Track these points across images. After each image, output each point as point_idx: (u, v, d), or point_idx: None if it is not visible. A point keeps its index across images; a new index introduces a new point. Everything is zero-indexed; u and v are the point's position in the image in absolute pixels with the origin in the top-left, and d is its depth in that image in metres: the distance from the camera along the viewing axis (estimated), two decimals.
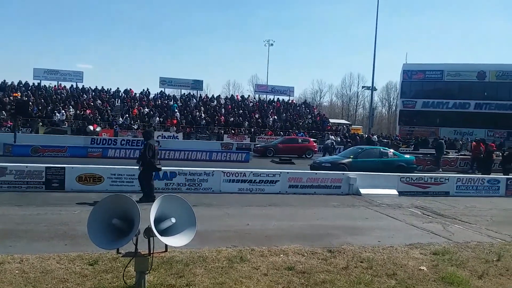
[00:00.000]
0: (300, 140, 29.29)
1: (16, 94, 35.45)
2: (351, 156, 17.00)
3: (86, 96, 39.64)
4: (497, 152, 22.50)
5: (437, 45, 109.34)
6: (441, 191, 13.35)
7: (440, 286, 4.92)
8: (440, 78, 50.89)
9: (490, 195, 13.60)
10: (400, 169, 15.88)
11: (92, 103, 37.71)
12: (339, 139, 33.28)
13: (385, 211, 10.19)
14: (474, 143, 23.38)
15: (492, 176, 15.57)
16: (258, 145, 29.05)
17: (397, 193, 12.74)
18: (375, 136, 34.14)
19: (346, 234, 7.48)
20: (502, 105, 48.29)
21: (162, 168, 10.86)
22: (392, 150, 18.52)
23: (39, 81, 41.37)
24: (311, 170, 15.43)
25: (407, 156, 18.81)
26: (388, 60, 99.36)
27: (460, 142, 39.46)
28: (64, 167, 10.88)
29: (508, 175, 16.34)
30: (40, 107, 34.49)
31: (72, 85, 42.08)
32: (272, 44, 65.77)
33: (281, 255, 5.85)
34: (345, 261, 5.70)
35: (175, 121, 36.36)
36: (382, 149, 18.41)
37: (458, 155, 25.81)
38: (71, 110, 35.31)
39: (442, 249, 6.57)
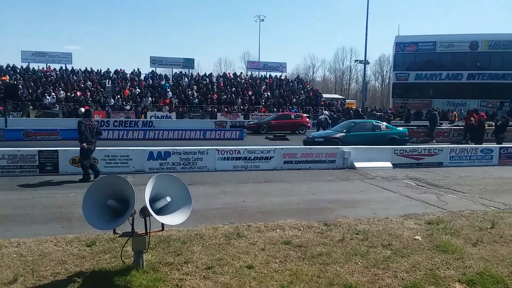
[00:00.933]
0: (293, 116, 29.29)
1: (5, 78, 34.93)
2: (344, 130, 17.05)
3: (76, 78, 39.13)
4: (490, 122, 22.62)
5: (430, 16, 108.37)
6: (435, 162, 13.45)
7: (434, 254, 4.99)
8: (432, 49, 50.61)
9: (483, 165, 13.71)
10: (393, 142, 15.99)
11: (82, 85, 37.26)
12: (333, 114, 33.25)
13: (379, 183, 10.27)
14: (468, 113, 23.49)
15: (485, 145, 15.70)
16: (251, 122, 29.02)
17: (391, 165, 12.82)
18: (361, 110, 34.16)
19: (342, 208, 7.55)
20: (494, 75, 48.31)
21: (157, 148, 10.83)
22: (384, 123, 18.56)
23: (27, 64, 40.75)
24: (304, 145, 15.47)
25: (399, 128, 18.87)
26: (380, 32, 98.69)
27: (454, 113, 39.55)
28: (57, 150, 10.81)
29: (501, 144, 16.48)
30: (30, 91, 34.05)
31: (61, 67, 41.47)
32: (263, 20, 64.99)
33: (278, 230, 5.90)
34: (341, 233, 5.76)
35: (167, 101, 36.10)
36: (374, 123, 18.45)
37: (451, 126, 25.94)
38: (61, 92, 34.91)
39: (436, 218, 6.65)
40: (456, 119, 30.90)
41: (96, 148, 10.00)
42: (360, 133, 16.85)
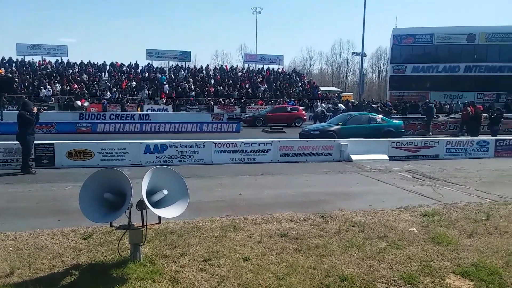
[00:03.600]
0: (289, 109, 29.27)
1: (0, 71, 34.68)
2: (340, 123, 17.07)
3: (72, 71, 38.91)
4: (485, 114, 22.70)
5: (427, 8, 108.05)
6: (431, 154, 13.50)
7: (430, 246, 5.03)
8: (430, 42, 50.52)
9: (479, 157, 13.78)
10: (388, 134, 16.03)
11: (78, 78, 37.07)
12: (330, 106, 33.25)
13: (376, 176, 10.30)
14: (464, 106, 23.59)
15: (480, 137, 15.77)
16: (247, 115, 28.98)
17: (387, 158, 12.86)
18: (348, 103, 34.20)
19: (338, 200, 7.58)
20: (491, 67, 48.33)
21: (154, 141, 10.84)
22: (380, 116, 18.61)
23: (22, 57, 40.47)
24: (300, 138, 15.48)
25: (395, 121, 18.92)
26: (378, 25, 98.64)
27: (447, 106, 39.61)
28: (54, 143, 10.79)
29: (496, 136, 16.55)
30: (25, 83, 33.85)
31: (57, 60, 41.22)
32: (260, 12, 64.62)
33: (274, 223, 5.92)
34: (337, 226, 5.79)
35: (163, 95, 35.97)
36: (370, 115, 18.50)
37: (447, 119, 26.01)
38: (57, 85, 34.73)
39: (432, 210, 6.69)
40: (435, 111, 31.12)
41: (94, 141, 9.97)
42: (356, 125, 16.87)
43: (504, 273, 4.29)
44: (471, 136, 17.65)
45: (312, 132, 16.53)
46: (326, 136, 15.18)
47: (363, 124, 17.12)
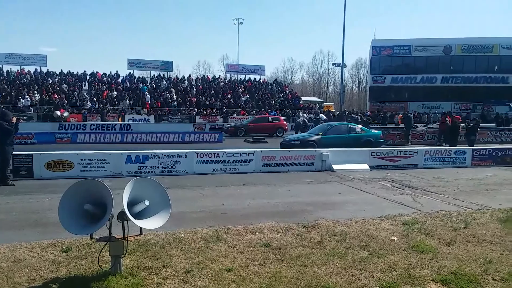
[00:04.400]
0: (270, 119, 29.34)
1: None
2: (320, 133, 17.33)
3: (51, 80, 38.33)
4: (462, 124, 23.25)
5: (405, 20, 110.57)
6: (410, 164, 13.72)
7: (410, 254, 5.10)
8: (408, 53, 51.73)
9: (456, 166, 14.05)
10: (368, 144, 16.33)
11: (58, 88, 36.52)
12: (311, 116, 33.56)
13: (357, 185, 10.41)
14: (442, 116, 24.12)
15: (458, 147, 16.12)
16: (229, 125, 28.96)
17: (368, 167, 13.02)
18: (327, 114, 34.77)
19: (320, 210, 7.62)
20: (467, 78, 49.69)
21: (135, 151, 10.75)
22: (360, 126, 18.93)
23: (0, 66, 39.68)
24: (281, 148, 15.58)
25: (374, 131, 19.25)
26: (357, 36, 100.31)
27: (426, 116, 40.44)
28: (32, 154, 10.57)
29: (473, 146, 16.93)
30: (3, 93, 33.17)
31: (36, 69, 40.56)
32: (241, 23, 64.95)
33: (257, 233, 5.92)
34: (319, 235, 5.82)
35: (148, 105, 35.69)
36: (350, 125, 18.83)
37: (426, 129, 26.52)
38: (36, 95, 34.13)
39: (411, 219, 6.79)
40: (400, 122, 31.96)
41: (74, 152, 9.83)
42: (336, 135, 17.12)
43: (483, 281, 4.38)
44: (449, 146, 18.02)
45: (293, 142, 16.67)
46: (306, 146, 15.36)
47: (343, 134, 17.41)
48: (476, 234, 6.02)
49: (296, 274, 4.44)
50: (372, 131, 19.06)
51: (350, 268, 4.64)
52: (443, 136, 21.99)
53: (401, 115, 33.30)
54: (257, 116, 32.53)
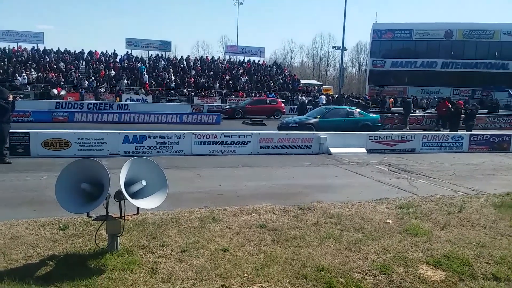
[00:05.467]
0: (268, 101, 29.23)
1: None
2: (318, 116, 17.30)
3: (48, 58, 37.94)
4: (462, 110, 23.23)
5: (407, 4, 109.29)
6: (407, 148, 13.76)
7: (404, 237, 5.15)
8: (409, 37, 51.28)
9: (454, 151, 14.11)
10: (365, 128, 16.33)
11: (55, 66, 36.19)
12: (310, 99, 33.44)
13: (354, 169, 10.45)
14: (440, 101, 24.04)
15: (455, 133, 16.15)
16: (226, 107, 28.86)
17: (365, 151, 13.05)
18: (322, 96, 34.72)
19: (317, 192, 7.66)
20: (467, 63, 49.42)
21: (133, 131, 10.73)
22: (358, 110, 18.88)
23: None
24: (278, 130, 15.58)
25: (372, 115, 19.21)
26: (358, 19, 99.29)
27: (425, 101, 40.40)
28: (29, 132, 10.55)
29: (471, 132, 16.97)
30: (0, 71, 32.86)
31: (33, 47, 40.10)
32: (241, 3, 63.85)
33: (253, 214, 5.96)
34: (315, 217, 5.87)
35: (147, 86, 35.43)
36: (348, 109, 18.80)
37: (424, 113, 26.50)
38: (33, 73, 33.83)
39: (407, 203, 6.84)
40: (391, 107, 32.05)
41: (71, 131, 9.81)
42: (334, 119, 17.12)
43: (475, 264, 4.44)
44: (450, 131, 17.99)
45: (290, 125, 16.67)
46: (304, 129, 15.35)
47: (341, 118, 17.41)
48: (470, 219, 6.07)
49: (291, 254, 4.49)
50: (370, 115, 19.05)
51: (344, 250, 4.69)
52: (441, 121, 21.97)
53: (391, 99, 33.42)
54: (255, 98, 32.40)
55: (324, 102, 31.03)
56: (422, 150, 13.86)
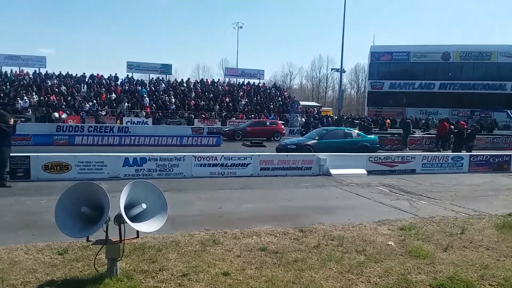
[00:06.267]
0: (268, 123, 29.27)
1: None
2: (317, 138, 17.33)
3: (50, 82, 38.26)
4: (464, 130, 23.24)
5: (405, 25, 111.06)
6: (407, 169, 13.74)
7: (407, 259, 5.10)
8: (406, 59, 51.90)
9: (454, 172, 14.08)
10: (364, 149, 16.35)
11: (56, 89, 36.47)
12: (312, 121, 33.60)
13: (354, 190, 10.42)
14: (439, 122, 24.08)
15: (455, 153, 16.15)
16: (226, 129, 28.89)
17: (366, 172, 13.03)
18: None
19: (317, 214, 7.62)
20: (465, 84, 49.87)
21: (133, 154, 10.77)
22: (356, 131, 18.97)
23: None
24: (277, 152, 15.60)
25: (371, 136, 19.24)
26: (356, 42, 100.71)
27: (423, 121, 40.53)
28: (29, 155, 10.56)
29: (471, 152, 16.96)
30: (1, 94, 33.11)
31: (35, 71, 40.49)
32: (241, 27, 64.77)
33: (254, 237, 5.91)
34: (316, 240, 5.82)
35: (148, 109, 35.64)
36: (346, 130, 18.85)
37: (423, 134, 26.54)
38: (34, 96, 34.06)
39: (408, 224, 6.80)
40: (387, 127, 32.08)
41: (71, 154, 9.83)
42: (332, 140, 17.15)
43: (479, 286, 4.39)
44: (452, 152, 17.90)
45: (289, 146, 16.67)
46: (302, 150, 15.36)
47: (339, 139, 17.41)
48: (473, 240, 6.02)
49: (292, 278, 4.44)
50: (368, 136, 19.08)
51: (346, 273, 4.64)
52: (441, 142, 21.98)
53: (388, 120, 33.58)
54: (254, 120, 32.49)
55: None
56: (423, 170, 13.84)
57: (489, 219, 7.38)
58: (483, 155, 15.18)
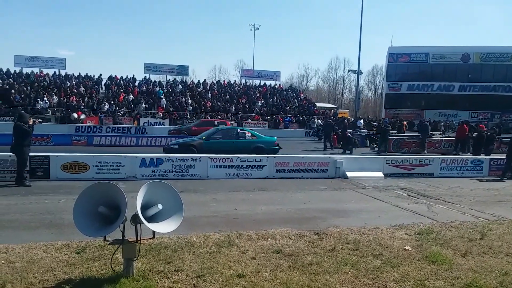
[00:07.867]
0: (216, 123, 27.23)
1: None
2: (203, 138, 16.04)
3: (69, 83, 38.95)
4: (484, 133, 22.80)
5: (423, 27, 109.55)
6: (425, 173, 13.55)
7: (424, 265, 5.02)
8: (425, 60, 51.20)
9: (473, 176, 13.84)
10: (258, 151, 14.93)
11: (75, 90, 37.10)
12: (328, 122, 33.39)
13: (371, 193, 10.31)
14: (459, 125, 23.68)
15: (475, 157, 15.86)
16: (172, 129, 27.52)
17: (383, 175, 12.90)
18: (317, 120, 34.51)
19: (333, 217, 7.57)
20: (485, 86, 48.95)
21: (150, 155, 10.85)
22: (250, 131, 17.41)
23: (20, 69, 40.51)
24: (164, 152, 14.63)
25: (268, 137, 17.58)
26: (374, 43, 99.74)
27: (442, 123, 39.90)
28: (49, 155, 10.75)
29: (490, 156, 16.63)
30: (22, 95, 33.83)
31: (54, 72, 41.28)
32: (257, 29, 65.22)
33: (269, 239, 5.90)
34: (331, 243, 5.77)
35: (160, 109, 35.92)
36: (239, 130, 17.66)
37: (442, 137, 26.13)
38: (54, 97, 34.72)
39: (426, 229, 6.69)
40: (404, 130, 31.23)
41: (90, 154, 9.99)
42: (221, 140, 15.99)
43: None
44: (473, 155, 17.54)
45: (172, 146, 15.62)
46: (186, 150, 14.27)
47: (230, 139, 16.19)
48: (492, 246, 5.90)
49: (307, 281, 4.41)
50: (265, 137, 17.34)
51: (362, 277, 4.59)
52: (460, 145, 21.61)
53: (405, 122, 32.99)
54: (202, 119, 31.22)
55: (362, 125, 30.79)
56: (441, 174, 13.63)
57: (509, 224, 7.22)
58: (503, 158, 14.84)
